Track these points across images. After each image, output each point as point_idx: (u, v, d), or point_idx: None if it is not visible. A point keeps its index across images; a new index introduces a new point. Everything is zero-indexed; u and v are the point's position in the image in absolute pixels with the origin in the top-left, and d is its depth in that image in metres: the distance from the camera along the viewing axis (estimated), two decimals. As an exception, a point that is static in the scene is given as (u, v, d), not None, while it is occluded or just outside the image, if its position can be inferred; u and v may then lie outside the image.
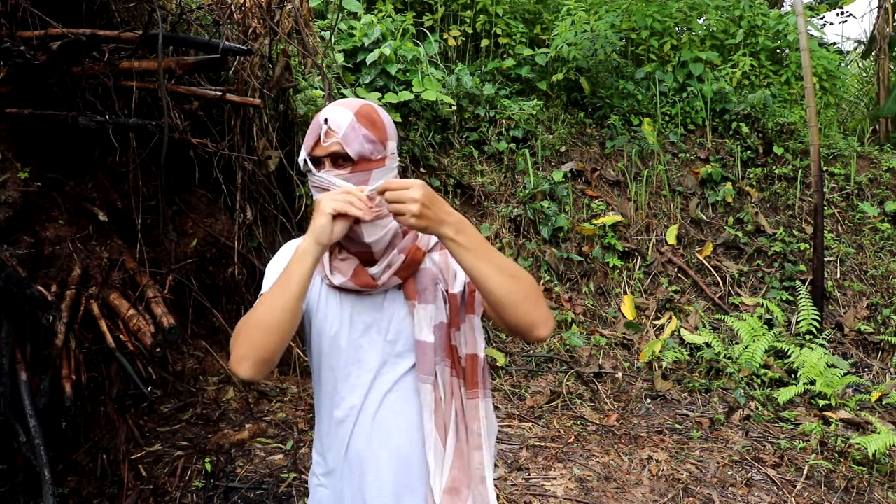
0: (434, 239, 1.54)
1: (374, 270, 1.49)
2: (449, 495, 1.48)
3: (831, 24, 17.09)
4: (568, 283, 5.73)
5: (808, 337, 5.24)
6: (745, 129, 6.83)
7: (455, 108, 6.21)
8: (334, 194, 1.39)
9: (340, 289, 1.52)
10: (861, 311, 5.65)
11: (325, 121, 1.43)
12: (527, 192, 6.00)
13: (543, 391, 4.63)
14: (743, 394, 4.61)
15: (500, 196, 6.06)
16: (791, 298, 5.69)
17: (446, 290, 1.53)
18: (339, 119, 1.43)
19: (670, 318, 5.46)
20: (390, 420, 1.51)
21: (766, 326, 5.30)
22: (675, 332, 5.29)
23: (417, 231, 1.44)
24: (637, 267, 5.90)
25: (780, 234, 6.16)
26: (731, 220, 6.30)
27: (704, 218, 6.31)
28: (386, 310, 1.52)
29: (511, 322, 1.42)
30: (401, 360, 1.52)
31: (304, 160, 1.46)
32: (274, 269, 1.56)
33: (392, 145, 1.50)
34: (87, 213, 3.60)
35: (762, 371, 4.84)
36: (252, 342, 1.38)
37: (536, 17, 7.81)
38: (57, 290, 3.23)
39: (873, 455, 3.70)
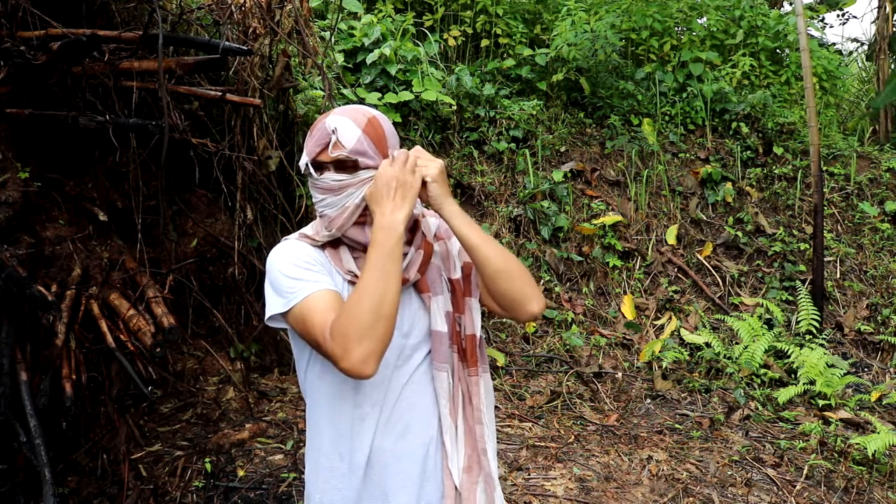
0: (433, 230, 1.63)
1: None
2: (466, 474, 1.57)
3: (831, 26, 17.10)
4: (568, 283, 5.73)
5: (807, 337, 5.24)
6: (745, 129, 6.83)
7: (455, 108, 6.21)
8: (400, 171, 1.44)
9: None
10: (861, 311, 5.65)
11: (334, 131, 1.46)
12: (527, 192, 6.00)
13: (543, 391, 4.63)
14: (743, 394, 4.61)
15: (500, 196, 6.06)
16: (791, 298, 5.69)
17: (449, 278, 1.61)
18: (348, 133, 1.46)
19: (670, 318, 5.46)
20: (409, 411, 1.56)
21: (765, 326, 5.30)
22: (675, 332, 5.29)
23: (430, 195, 1.50)
24: (637, 267, 5.90)
25: (780, 234, 6.16)
26: (731, 220, 6.30)
27: (704, 218, 6.31)
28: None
29: (507, 293, 1.52)
30: (415, 352, 1.57)
31: (306, 164, 1.48)
32: (293, 269, 1.47)
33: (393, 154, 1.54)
34: (87, 213, 3.60)
35: (762, 371, 4.84)
36: (378, 334, 1.35)
37: (536, 17, 7.81)
38: (57, 290, 3.23)
39: (873, 455, 3.70)
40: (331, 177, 1.46)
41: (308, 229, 1.58)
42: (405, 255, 1.53)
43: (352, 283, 1.51)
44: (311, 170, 1.48)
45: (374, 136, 1.48)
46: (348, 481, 1.56)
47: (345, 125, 1.46)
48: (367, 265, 1.40)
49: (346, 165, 1.46)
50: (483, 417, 1.60)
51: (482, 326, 1.68)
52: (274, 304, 1.48)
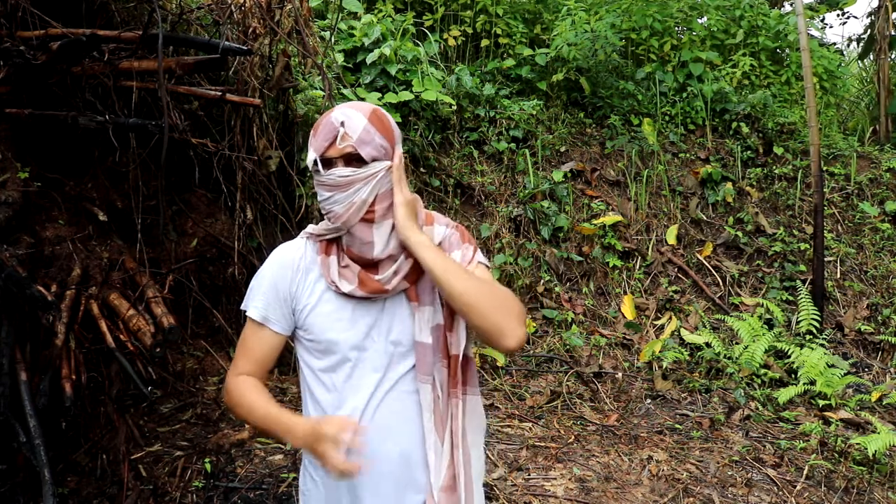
0: (437, 240, 1.60)
1: (380, 277, 1.52)
2: (446, 493, 1.54)
3: (831, 26, 17.09)
4: (568, 283, 5.73)
5: (808, 337, 5.24)
6: (745, 129, 6.83)
7: (455, 108, 6.21)
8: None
9: (342, 293, 1.54)
10: (861, 311, 5.65)
11: (342, 124, 1.46)
12: (527, 192, 6.00)
13: (543, 391, 4.63)
14: (743, 394, 4.61)
15: (500, 196, 6.06)
16: (791, 298, 5.68)
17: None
18: (354, 123, 1.47)
19: (670, 318, 5.46)
20: (390, 418, 1.54)
21: (766, 326, 5.30)
22: (675, 332, 5.29)
23: (401, 220, 1.50)
24: (637, 267, 5.90)
25: (780, 234, 6.16)
26: (731, 220, 6.30)
27: (704, 218, 6.31)
28: (387, 311, 1.55)
29: (478, 328, 1.47)
30: (403, 359, 1.55)
31: (315, 160, 1.48)
32: (258, 283, 1.60)
33: (399, 150, 1.54)
34: (87, 213, 3.60)
35: (762, 371, 4.84)
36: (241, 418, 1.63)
37: (536, 17, 7.81)
38: (57, 290, 3.23)
39: (873, 455, 3.70)
40: (338, 172, 1.47)
41: (318, 227, 1.59)
42: (395, 261, 1.53)
43: (336, 292, 1.53)
44: (320, 166, 1.48)
45: (380, 126, 1.49)
46: (326, 482, 1.58)
47: (351, 116, 1.47)
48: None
49: (354, 159, 1.47)
50: (460, 441, 1.57)
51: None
52: (246, 299, 1.63)
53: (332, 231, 1.53)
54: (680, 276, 5.91)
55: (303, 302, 1.56)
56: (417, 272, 1.54)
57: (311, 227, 1.60)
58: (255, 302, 1.59)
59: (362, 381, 1.53)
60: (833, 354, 5.15)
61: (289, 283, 1.56)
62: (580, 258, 5.77)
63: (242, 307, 1.63)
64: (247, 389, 1.57)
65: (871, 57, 9.10)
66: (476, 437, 1.61)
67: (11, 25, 3.28)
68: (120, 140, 3.54)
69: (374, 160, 1.47)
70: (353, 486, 1.53)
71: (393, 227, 1.52)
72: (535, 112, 6.57)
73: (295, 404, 4.17)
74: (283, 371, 4.50)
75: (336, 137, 1.46)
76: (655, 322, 5.49)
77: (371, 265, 1.53)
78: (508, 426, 4.17)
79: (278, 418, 1.51)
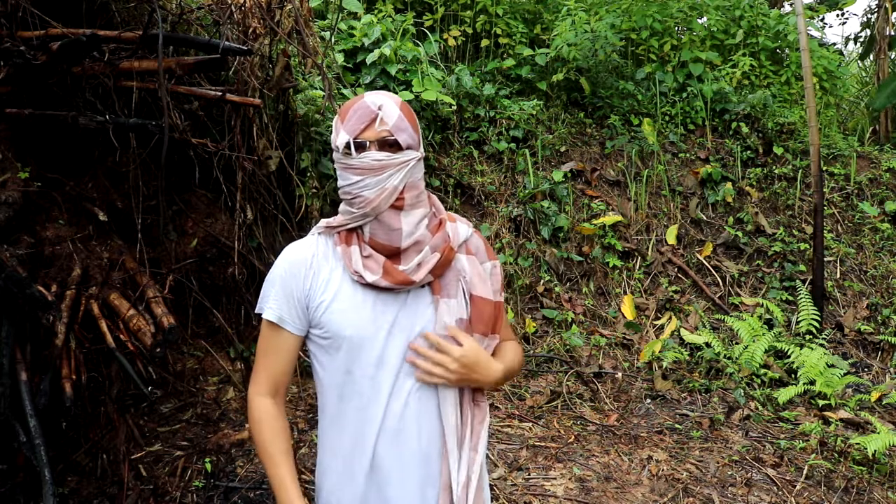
0: (461, 237, 1.59)
1: (404, 267, 1.50)
2: (465, 489, 1.54)
3: (831, 26, 17.10)
4: (568, 283, 5.73)
5: (807, 337, 5.24)
6: (745, 129, 6.83)
7: (455, 108, 6.21)
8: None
9: (365, 285, 1.52)
10: (861, 311, 5.65)
11: (380, 107, 1.47)
12: (527, 192, 6.00)
13: (543, 391, 4.63)
14: (743, 394, 4.61)
15: (500, 196, 6.06)
16: (791, 298, 5.69)
17: (470, 292, 1.56)
18: (390, 109, 1.48)
19: (670, 318, 5.46)
20: (414, 417, 1.53)
21: (766, 326, 5.30)
22: (675, 332, 5.29)
23: (490, 370, 1.58)
24: (637, 267, 5.90)
25: (780, 234, 6.16)
26: (731, 220, 6.30)
27: (704, 218, 6.31)
28: (409, 306, 1.53)
29: None
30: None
31: (348, 143, 1.46)
32: (270, 285, 1.57)
33: (421, 145, 1.55)
34: (87, 213, 3.59)
35: (762, 371, 4.84)
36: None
37: (536, 17, 7.81)
38: (57, 290, 3.23)
39: (873, 455, 3.71)
40: (373, 155, 1.46)
41: (335, 218, 1.57)
42: (419, 251, 1.52)
43: (359, 282, 1.51)
44: (352, 149, 1.47)
45: (409, 117, 1.51)
46: (350, 485, 1.55)
47: (386, 103, 1.48)
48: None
49: (387, 144, 1.47)
50: (479, 445, 1.58)
51: None
52: (259, 302, 1.60)
53: (355, 219, 1.51)
54: (680, 276, 5.91)
55: (318, 299, 1.52)
56: (443, 266, 1.53)
57: (324, 221, 1.58)
58: (270, 303, 1.55)
59: (383, 381, 1.51)
60: (833, 354, 5.15)
61: (301, 280, 1.53)
62: (580, 258, 5.77)
63: (257, 311, 1.59)
64: (267, 426, 1.59)
65: (871, 57, 9.11)
66: (484, 435, 1.63)
67: (11, 25, 3.27)
68: (120, 140, 3.54)
69: (408, 147, 1.49)
70: (379, 485, 1.53)
71: (421, 216, 1.53)
72: (535, 112, 6.57)
73: (294, 405, 4.17)
74: (283, 371, 4.50)
75: (374, 120, 1.46)
76: (655, 322, 5.49)
77: (395, 254, 1.51)
78: (508, 426, 4.17)
79: (285, 494, 1.52)
